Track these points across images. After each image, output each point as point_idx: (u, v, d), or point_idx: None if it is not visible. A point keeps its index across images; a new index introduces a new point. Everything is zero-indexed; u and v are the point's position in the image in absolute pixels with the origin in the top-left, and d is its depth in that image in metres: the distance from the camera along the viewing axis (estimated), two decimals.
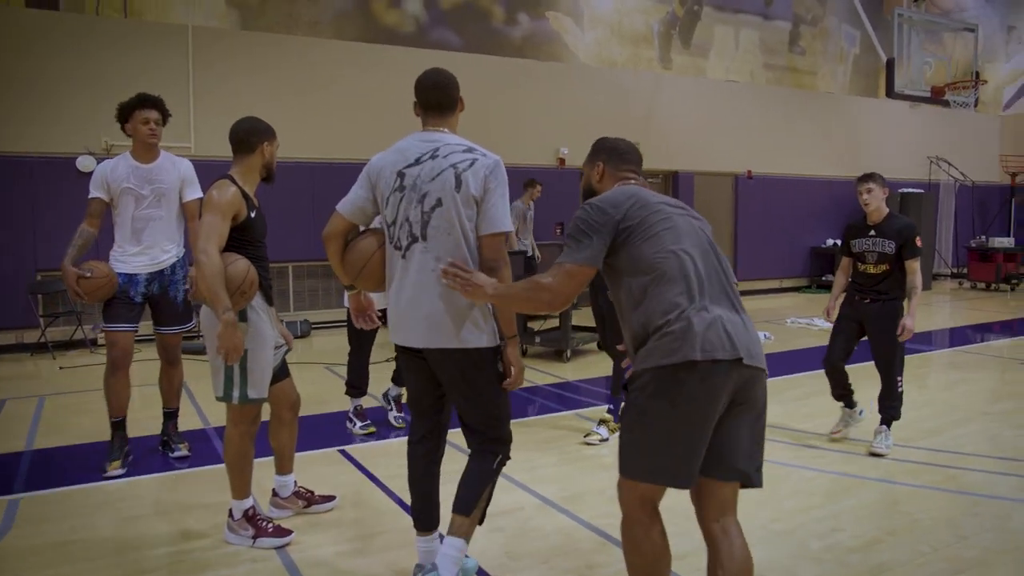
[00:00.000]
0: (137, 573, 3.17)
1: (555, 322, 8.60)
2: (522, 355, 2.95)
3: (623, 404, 2.38)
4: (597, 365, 7.47)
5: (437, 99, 2.85)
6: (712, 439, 2.27)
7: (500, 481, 3.04)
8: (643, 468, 2.28)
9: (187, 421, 5.41)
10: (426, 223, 2.71)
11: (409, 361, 2.88)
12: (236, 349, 3.08)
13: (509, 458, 2.93)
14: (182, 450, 4.63)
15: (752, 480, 2.38)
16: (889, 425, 4.70)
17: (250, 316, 3.28)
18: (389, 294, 2.83)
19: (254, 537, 3.37)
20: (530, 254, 9.72)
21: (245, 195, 3.32)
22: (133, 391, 4.57)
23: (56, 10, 8.80)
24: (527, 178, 9.95)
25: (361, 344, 5.17)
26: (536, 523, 3.65)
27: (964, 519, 3.65)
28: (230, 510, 3.44)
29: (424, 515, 2.95)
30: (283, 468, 3.72)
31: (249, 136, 3.37)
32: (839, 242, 13.87)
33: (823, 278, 14.33)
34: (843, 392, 4.89)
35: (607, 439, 4.90)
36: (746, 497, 3.56)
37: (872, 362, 4.77)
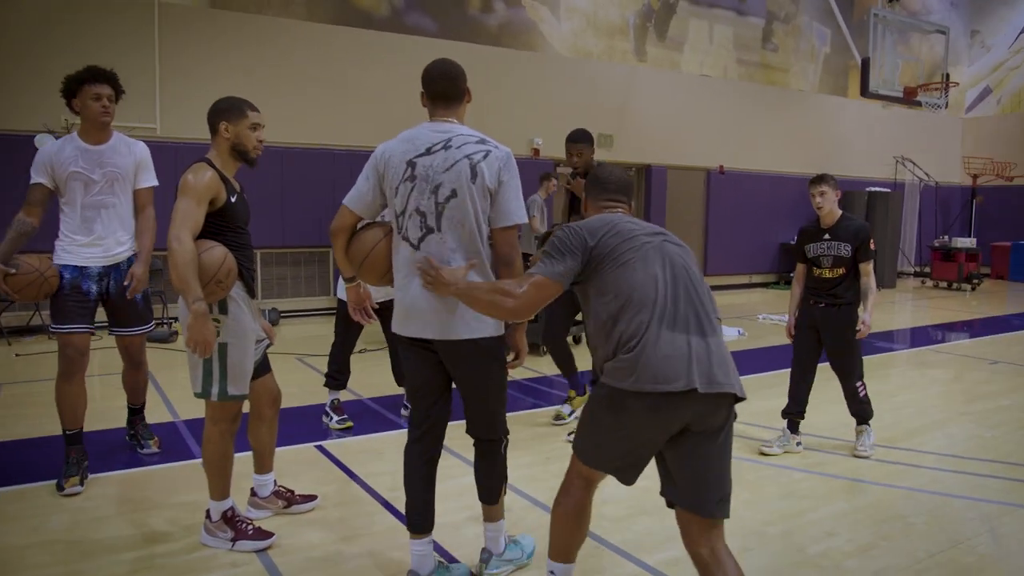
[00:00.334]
0: None
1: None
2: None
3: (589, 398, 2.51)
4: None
5: (444, 89, 2.80)
6: (677, 469, 2.35)
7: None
8: (587, 455, 2.46)
9: (153, 414, 5.17)
10: (440, 214, 2.67)
11: (415, 353, 2.82)
12: (206, 343, 2.89)
13: (508, 433, 2.98)
14: (152, 446, 4.39)
15: (715, 514, 2.32)
16: (867, 423, 4.62)
17: (230, 308, 3.10)
18: (397, 285, 2.79)
19: (233, 540, 3.19)
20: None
21: (224, 178, 3.13)
22: (92, 380, 4.31)
23: None
24: (542, 172, 9.83)
25: (347, 336, 5.01)
26: (527, 525, 3.53)
27: (956, 523, 3.63)
28: (207, 511, 3.26)
29: (419, 518, 2.88)
30: (262, 467, 3.55)
31: (210, 117, 3.21)
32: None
33: (791, 274, 14.43)
34: (796, 411, 4.65)
35: (574, 412, 5.21)
36: (736, 499, 3.56)
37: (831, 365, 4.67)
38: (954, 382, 6.69)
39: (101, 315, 4.12)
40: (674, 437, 2.30)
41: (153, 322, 4.30)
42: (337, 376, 5.01)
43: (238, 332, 3.11)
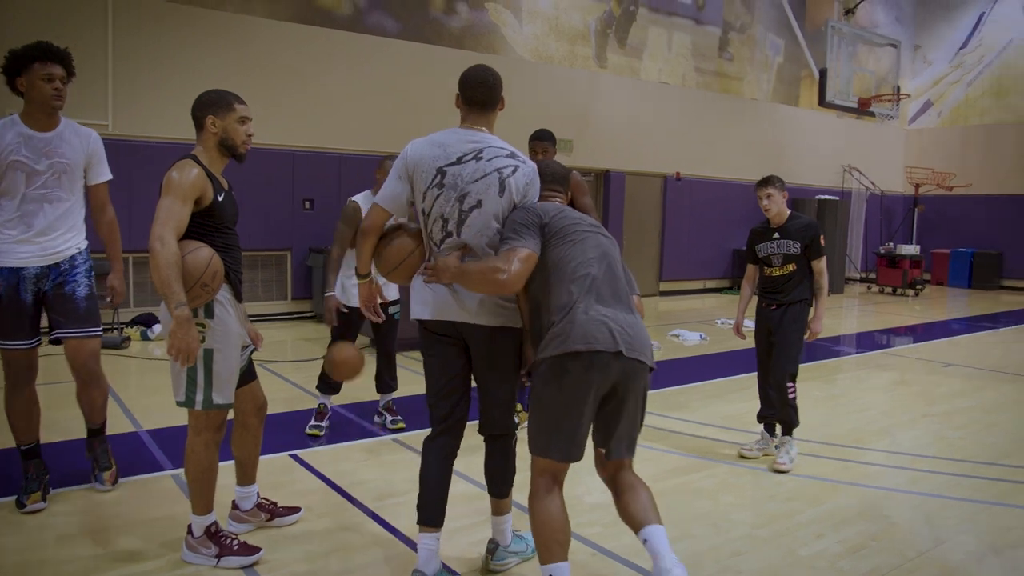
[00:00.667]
0: None
1: None
2: None
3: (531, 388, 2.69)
4: None
5: (483, 97, 2.91)
6: (598, 420, 2.68)
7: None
8: (542, 445, 2.62)
9: (114, 425, 4.94)
10: (462, 221, 2.81)
11: (441, 349, 2.92)
12: (189, 350, 2.74)
13: (518, 428, 3.15)
14: (105, 480, 3.79)
15: (624, 455, 2.73)
16: (790, 434, 4.50)
17: (217, 312, 2.96)
18: (417, 286, 2.95)
19: (218, 556, 3.04)
20: None
21: (211, 176, 2.98)
22: (43, 390, 3.88)
23: None
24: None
25: (345, 338, 4.85)
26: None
27: (938, 522, 3.70)
28: (189, 526, 3.10)
29: (434, 511, 2.93)
30: (245, 478, 3.40)
31: (195, 111, 3.05)
32: None
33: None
34: (768, 416, 4.69)
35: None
36: (725, 503, 3.60)
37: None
38: (912, 384, 6.88)
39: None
40: (603, 398, 2.62)
41: (102, 326, 3.77)
42: (329, 380, 4.86)
43: (224, 337, 2.97)
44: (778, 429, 4.63)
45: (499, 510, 3.09)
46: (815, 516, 3.74)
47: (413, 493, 3.79)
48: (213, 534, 3.08)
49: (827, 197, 14.68)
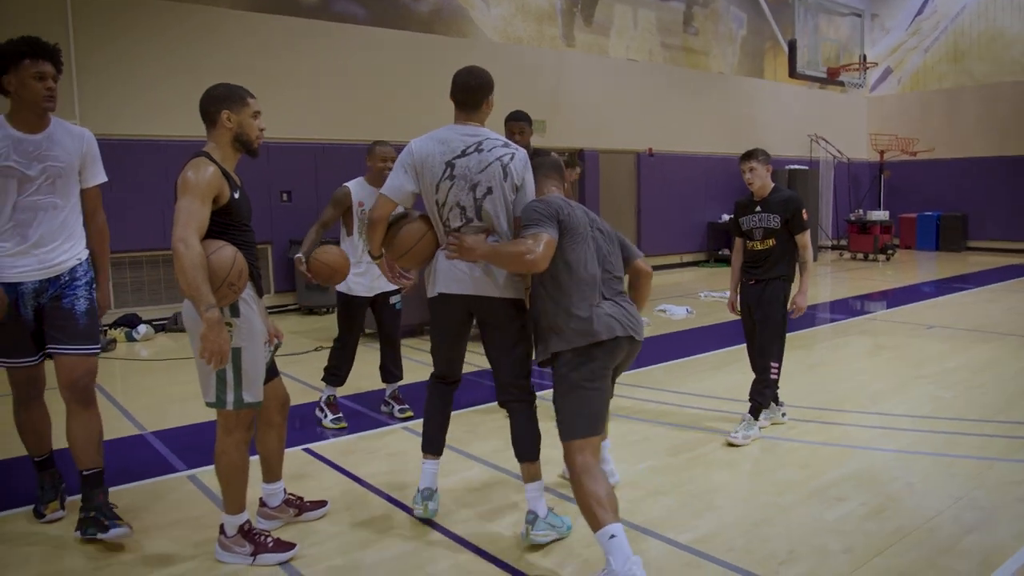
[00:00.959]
0: None
1: None
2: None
3: (556, 380, 3.00)
4: None
5: (464, 99, 3.27)
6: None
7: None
8: (580, 428, 2.90)
9: (117, 429, 4.86)
10: (479, 207, 3.16)
11: (453, 314, 3.27)
12: (222, 352, 2.69)
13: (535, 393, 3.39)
14: (123, 526, 3.19)
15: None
16: (756, 415, 4.47)
17: (242, 310, 2.92)
18: (440, 268, 3.22)
19: (253, 554, 3.02)
20: None
21: (225, 173, 2.93)
22: (52, 394, 3.75)
23: None
24: (563, 158, 9.65)
25: (350, 330, 4.85)
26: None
27: (949, 480, 3.82)
28: (221, 526, 3.08)
29: (437, 442, 3.39)
30: (271, 475, 3.37)
31: (207, 106, 2.99)
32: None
33: (720, 252, 14.90)
34: None
35: None
36: (741, 473, 4.00)
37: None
38: (899, 348, 7.04)
39: None
40: None
41: (100, 344, 3.46)
42: (336, 372, 4.84)
43: (250, 335, 2.93)
44: (784, 404, 4.69)
45: (531, 476, 3.23)
46: (831, 481, 3.83)
47: (439, 483, 3.81)
48: (247, 532, 3.05)
49: (797, 167, 14.89)
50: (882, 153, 17.07)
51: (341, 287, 4.77)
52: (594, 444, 2.93)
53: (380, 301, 4.90)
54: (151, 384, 6.33)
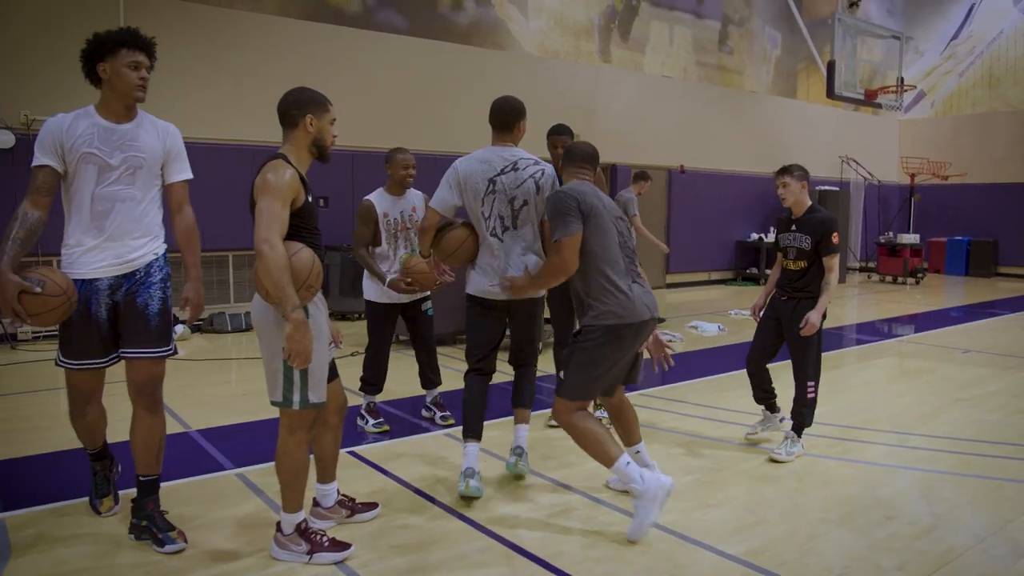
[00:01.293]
0: None
1: None
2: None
3: (577, 346, 3.42)
4: None
5: (500, 122, 3.85)
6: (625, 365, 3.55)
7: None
8: (585, 392, 3.41)
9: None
10: (516, 216, 3.77)
11: (488, 316, 3.90)
12: (307, 352, 2.75)
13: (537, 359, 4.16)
14: (177, 540, 3.17)
15: (633, 381, 3.72)
16: (798, 433, 4.46)
17: (311, 312, 2.97)
18: (486, 263, 3.82)
19: (310, 553, 3.06)
20: None
21: (301, 176, 2.99)
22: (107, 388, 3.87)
23: None
24: (637, 171, 9.71)
25: (382, 338, 4.89)
26: (603, 521, 3.51)
27: (998, 502, 3.79)
28: (278, 523, 3.12)
29: (477, 427, 3.81)
30: (326, 476, 3.41)
31: (290, 108, 3.03)
32: (763, 236, 14.51)
33: (747, 271, 14.86)
34: (764, 395, 4.72)
35: None
36: (789, 489, 4.03)
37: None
38: (936, 371, 6.99)
39: None
40: None
41: (174, 345, 3.35)
42: (372, 380, 4.89)
43: (318, 336, 2.98)
44: (787, 417, 4.62)
45: (522, 419, 4.03)
46: (879, 499, 3.81)
47: (484, 485, 3.84)
48: (303, 531, 3.09)
49: (828, 188, 14.84)
50: (913, 176, 16.96)
51: (371, 295, 4.82)
52: (584, 405, 3.43)
53: (413, 309, 4.93)
54: (190, 383, 6.41)
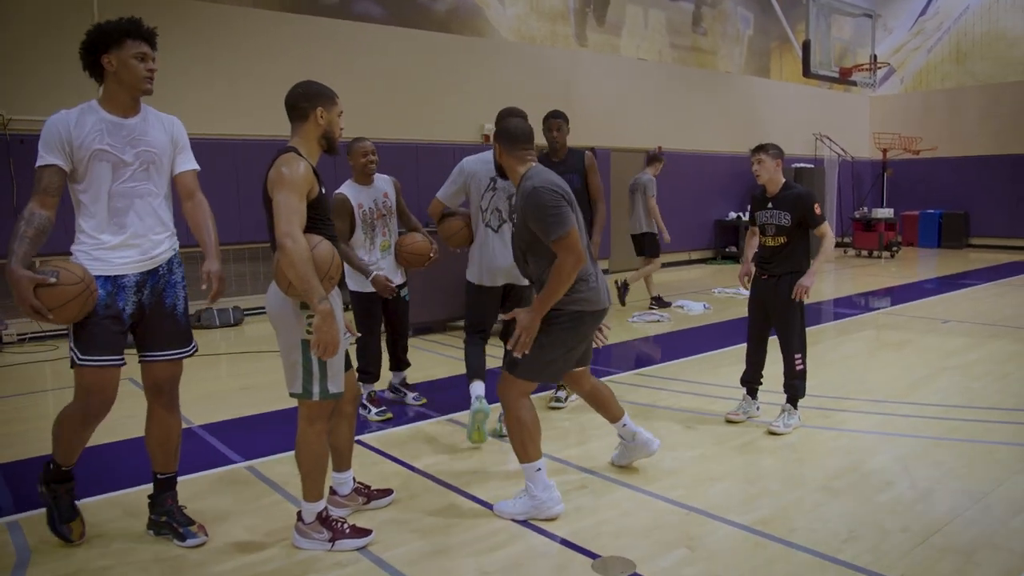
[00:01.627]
0: None
1: None
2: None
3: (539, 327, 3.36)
4: None
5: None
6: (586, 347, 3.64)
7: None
8: (538, 373, 3.41)
9: None
10: (513, 211, 4.06)
11: (487, 296, 4.49)
12: (334, 343, 2.79)
13: None
14: (198, 534, 3.21)
15: (587, 363, 3.77)
16: (794, 405, 4.59)
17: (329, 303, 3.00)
18: (480, 253, 4.41)
19: (332, 540, 3.11)
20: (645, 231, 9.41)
21: (313, 168, 3.01)
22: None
23: None
24: (651, 153, 10.09)
25: (372, 328, 4.93)
26: (611, 498, 3.60)
27: (991, 465, 3.93)
28: (299, 513, 3.17)
29: (482, 371, 4.45)
30: (342, 464, 3.46)
31: (300, 101, 3.02)
32: (741, 215, 14.69)
33: (727, 250, 15.03)
34: (751, 380, 4.82)
35: (571, 396, 5.19)
36: (789, 460, 4.15)
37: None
38: (920, 341, 7.17)
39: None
40: None
41: (195, 342, 3.33)
42: (369, 370, 4.93)
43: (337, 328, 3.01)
44: (776, 402, 4.70)
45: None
46: (876, 466, 3.94)
47: (491, 469, 3.95)
48: (324, 519, 3.14)
49: (804, 165, 15.04)
50: (885, 152, 17.23)
51: (355, 285, 4.84)
52: (530, 389, 3.46)
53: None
54: (187, 379, 6.31)
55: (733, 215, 15.09)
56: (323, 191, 3.03)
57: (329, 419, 3.12)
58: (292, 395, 3.04)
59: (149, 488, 3.33)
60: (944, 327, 7.81)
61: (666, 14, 14.51)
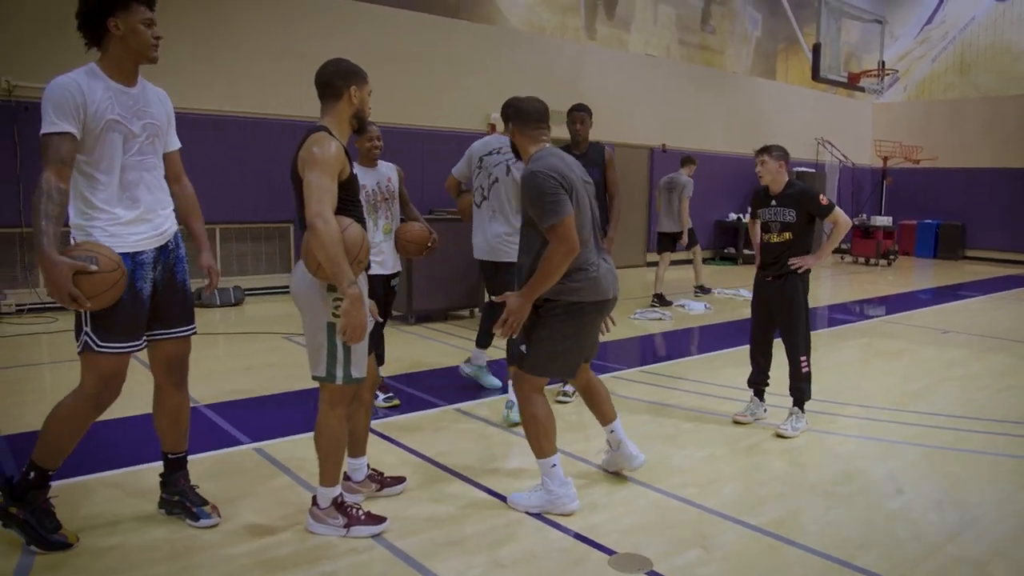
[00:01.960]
0: None
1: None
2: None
3: (538, 320, 3.35)
4: None
5: (503, 116, 3.63)
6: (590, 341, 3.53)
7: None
8: (545, 367, 3.37)
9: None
10: (489, 189, 4.82)
11: (482, 269, 5.04)
12: (361, 328, 2.76)
13: None
14: (211, 514, 3.19)
15: (591, 358, 3.67)
16: (801, 408, 4.61)
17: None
18: (478, 237, 4.94)
19: (347, 526, 3.09)
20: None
21: (344, 148, 2.97)
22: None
23: None
24: (685, 155, 10.47)
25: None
26: (622, 494, 3.59)
27: (999, 477, 3.96)
28: (314, 497, 3.15)
29: (486, 340, 5.24)
30: (358, 450, 3.44)
31: (333, 79, 2.96)
32: (742, 216, 14.71)
33: (726, 251, 15.06)
34: (758, 382, 4.82)
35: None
36: (798, 464, 4.15)
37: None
38: (919, 351, 7.20)
39: None
40: None
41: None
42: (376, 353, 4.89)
43: None
44: (786, 403, 4.69)
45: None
46: (885, 473, 3.96)
47: (501, 459, 3.94)
48: (340, 505, 3.12)
49: (805, 169, 15.07)
50: (885, 159, 17.29)
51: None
52: (543, 384, 3.40)
53: (385, 283, 4.84)
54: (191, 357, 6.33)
55: (733, 216, 15.11)
56: (353, 172, 2.99)
57: (350, 404, 3.09)
58: (315, 378, 3.01)
59: (146, 468, 3.30)
60: (943, 338, 7.85)
61: (675, 10, 14.47)
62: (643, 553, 3.03)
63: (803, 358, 4.59)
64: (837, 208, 4.60)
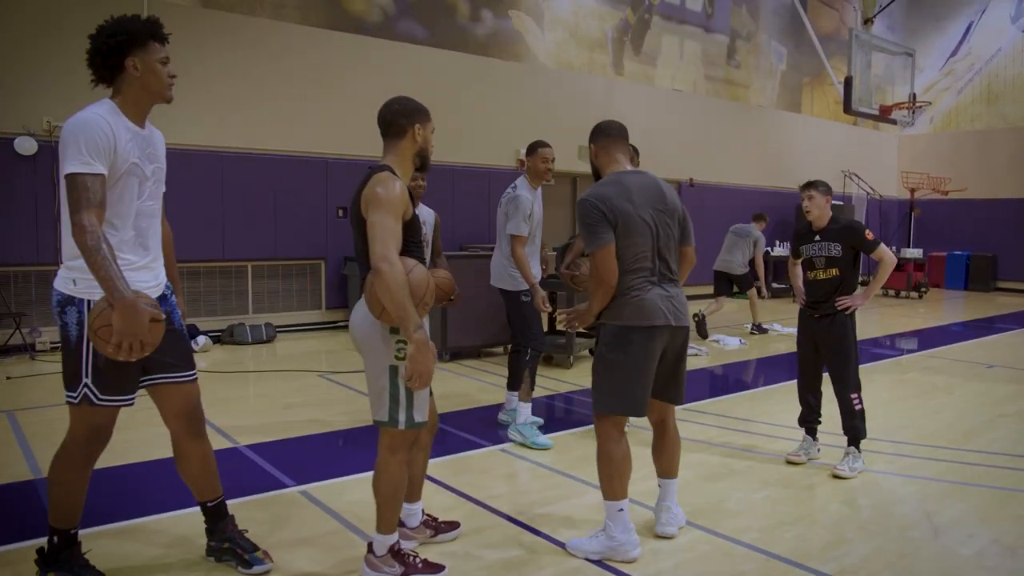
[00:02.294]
0: None
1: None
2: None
3: (596, 349, 3.37)
4: None
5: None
6: (659, 378, 3.33)
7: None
8: (615, 403, 3.25)
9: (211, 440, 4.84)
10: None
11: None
12: (428, 374, 2.69)
13: (537, 352, 5.15)
14: (266, 562, 3.08)
15: (677, 401, 3.50)
16: (857, 447, 4.48)
17: None
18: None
19: (404, 575, 2.99)
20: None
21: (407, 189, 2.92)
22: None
23: None
24: (756, 212, 10.95)
25: None
26: (683, 539, 3.47)
27: None
28: (370, 544, 3.04)
29: (517, 382, 5.13)
30: (414, 495, 3.35)
31: (398, 118, 2.93)
32: (769, 249, 14.57)
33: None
34: (809, 421, 4.71)
35: None
36: (861, 507, 4.01)
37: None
38: (968, 386, 7.02)
39: None
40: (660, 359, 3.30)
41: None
42: None
43: None
44: (836, 441, 4.58)
45: (512, 390, 5.23)
46: (954, 517, 3.80)
47: (554, 502, 3.82)
48: (397, 552, 3.02)
49: (834, 203, 14.94)
50: (913, 191, 17.15)
51: None
52: (621, 423, 3.29)
53: None
54: (227, 397, 6.30)
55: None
56: (416, 212, 2.95)
57: (411, 449, 3.01)
58: (376, 422, 2.93)
59: (182, 514, 3.21)
60: (990, 373, 7.66)
61: (701, 46, 14.55)
62: None
63: (854, 396, 4.47)
64: (882, 244, 4.52)
